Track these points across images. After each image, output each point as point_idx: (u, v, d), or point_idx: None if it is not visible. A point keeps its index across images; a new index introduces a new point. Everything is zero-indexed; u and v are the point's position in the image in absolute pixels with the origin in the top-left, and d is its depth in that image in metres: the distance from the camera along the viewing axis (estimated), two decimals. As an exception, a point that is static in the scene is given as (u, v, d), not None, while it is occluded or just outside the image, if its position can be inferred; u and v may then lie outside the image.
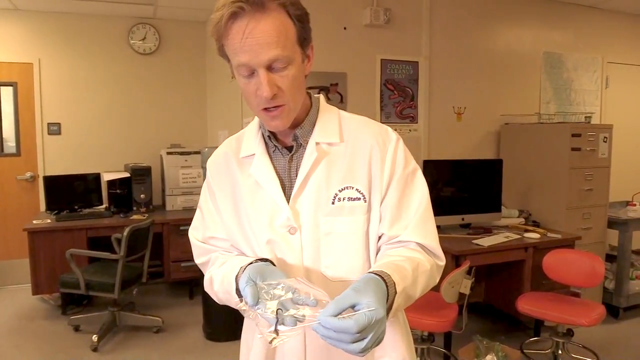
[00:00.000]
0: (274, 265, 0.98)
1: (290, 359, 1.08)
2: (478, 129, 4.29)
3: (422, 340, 2.92)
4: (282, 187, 1.05)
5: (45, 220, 3.91)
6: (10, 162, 4.54)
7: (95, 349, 3.26)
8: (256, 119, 1.11)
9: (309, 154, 1.04)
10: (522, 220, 3.83)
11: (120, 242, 3.30)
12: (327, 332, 0.77)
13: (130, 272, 3.54)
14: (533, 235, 3.45)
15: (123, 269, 3.33)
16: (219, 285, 1.06)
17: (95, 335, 3.29)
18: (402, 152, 1.07)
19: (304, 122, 1.06)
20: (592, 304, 2.92)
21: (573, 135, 3.70)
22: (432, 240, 1.06)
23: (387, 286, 0.86)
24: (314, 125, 1.07)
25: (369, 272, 0.89)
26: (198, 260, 1.18)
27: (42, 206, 4.29)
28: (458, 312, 2.79)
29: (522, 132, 4.16)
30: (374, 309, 0.77)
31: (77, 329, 3.58)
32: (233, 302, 1.02)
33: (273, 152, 1.08)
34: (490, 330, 3.61)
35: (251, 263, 0.96)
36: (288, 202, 1.04)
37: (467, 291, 2.83)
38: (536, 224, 3.80)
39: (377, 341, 0.78)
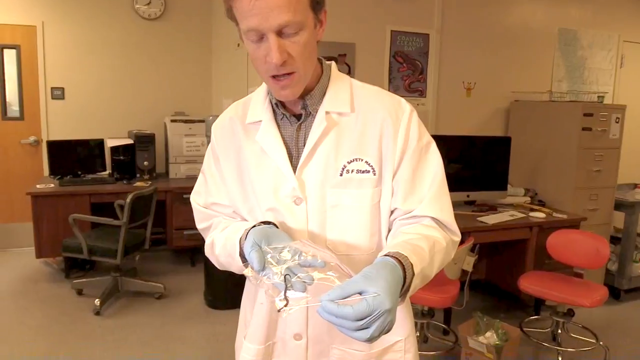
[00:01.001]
0: (278, 228, 0.96)
1: (292, 329, 1.07)
2: (487, 105, 4.22)
3: (422, 315, 2.93)
4: (288, 156, 1.02)
5: (48, 184, 3.91)
6: (14, 126, 4.51)
7: (97, 313, 3.29)
8: (263, 85, 1.07)
9: (318, 123, 1.00)
10: (527, 199, 3.80)
11: (123, 209, 3.30)
12: (328, 316, 0.74)
13: (133, 239, 3.55)
14: (538, 215, 3.42)
15: (126, 236, 3.33)
16: (221, 248, 1.03)
17: (97, 300, 3.32)
18: (415, 125, 1.03)
19: (314, 90, 1.02)
20: (594, 285, 2.92)
21: (584, 115, 3.64)
22: (448, 214, 1.02)
23: (404, 269, 0.83)
24: (325, 93, 1.03)
25: (385, 255, 0.85)
26: (200, 225, 1.16)
27: (46, 171, 4.27)
28: (459, 289, 2.79)
29: (532, 109, 4.09)
30: (377, 298, 0.73)
31: (80, 292, 3.61)
32: (235, 266, 1.00)
33: (281, 119, 1.04)
34: (490, 308, 3.62)
35: (255, 226, 0.94)
36: (294, 172, 1.01)
37: (469, 268, 2.82)
38: (542, 204, 3.76)
39: (384, 331, 0.75)
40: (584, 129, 3.64)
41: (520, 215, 3.39)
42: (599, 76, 4.78)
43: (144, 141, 4.28)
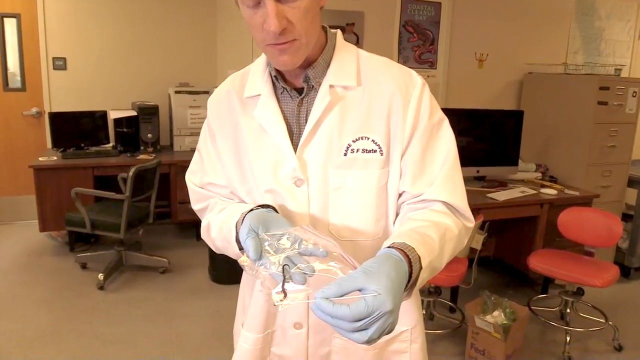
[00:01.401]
0: (277, 212, 0.89)
1: (292, 318, 1.01)
2: (500, 77, 4.08)
3: (428, 293, 2.89)
4: (289, 133, 0.94)
5: (51, 157, 3.85)
6: (16, 97, 4.44)
7: (101, 287, 3.28)
8: (263, 56, 0.98)
9: (321, 98, 0.92)
10: (539, 175, 3.71)
11: (126, 182, 3.25)
12: (323, 315, 0.67)
13: (137, 213, 3.51)
14: (550, 191, 3.33)
15: (129, 209, 3.29)
16: (217, 232, 0.97)
17: (101, 274, 3.30)
18: (427, 100, 0.94)
19: (317, 61, 0.92)
20: (605, 265, 2.85)
21: (600, 88, 3.50)
22: (460, 199, 0.94)
23: (410, 262, 0.75)
24: (329, 65, 0.94)
25: (390, 247, 0.77)
26: (195, 206, 1.09)
27: (49, 143, 4.22)
28: (467, 267, 2.73)
29: (546, 82, 3.95)
30: (377, 298, 0.65)
31: (84, 266, 3.60)
32: (232, 251, 0.93)
33: (281, 93, 0.96)
34: (497, 285, 3.58)
35: (252, 210, 0.87)
36: (295, 151, 0.93)
37: (478, 246, 2.76)
38: (553, 180, 3.67)
39: (385, 333, 0.67)
40: (599, 103, 3.52)
41: (531, 191, 3.30)
42: (616, 48, 4.61)
43: (148, 113, 4.20)
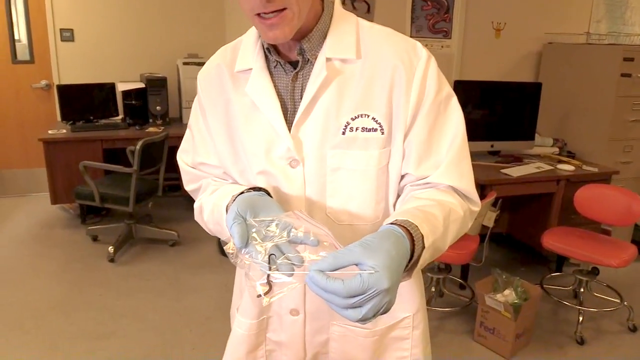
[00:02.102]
0: (270, 196, 0.83)
1: (288, 304, 0.97)
2: (518, 48, 3.92)
3: (438, 270, 2.85)
4: (283, 110, 0.87)
5: (60, 130, 3.84)
6: (25, 69, 4.41)
7: (111, 260, 3.30)
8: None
9: (317, 72, 0.85)
10: (556, 150, 3.59)
11: (134, 155, 3.22)
12: (316, 289, 0.63)
13: (146, 186, 3.50)
14: (567, 167, 3.22)
15: (138, 183, 3.28)
16: (209, 214, 0.92)
17: (111, 247, 3.32)
18: (433, 74, 0.86)
19: (312, 31, 0.85)
20: (623, 244, 2.76)
21: (624, 60, 3.34)
22: (468, 183, 0.88)
23: (413, 240, 0.70)
24: (326, 36, 0.86)
25: (392, 223, 0.72)
26: (188, 187, 1.05)
27: (59, 115, 4.20)
28: (479, 243, 2.67)
29: (567, 53, 3.78)
30: (373, 275, 0.61)
31: (95, 239, 3.62)
32: (225, 235, 0.88)
33: (274, 67, 0.89)
34: (509, 262, 3.52)
35: (243, 193, 0.81)
36: (290, 129, 0.86)
37: (490, 224, 2.70)
38: (571, 155, 3.55)
39: (380, 312, 0.63)
40: (622, 75, 3.36)
41: (547, 167, 3.20)
42: (643, 16, 4.38)
43: (156, 85, 4.14)
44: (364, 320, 0.63)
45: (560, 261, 3.33)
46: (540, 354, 2.53)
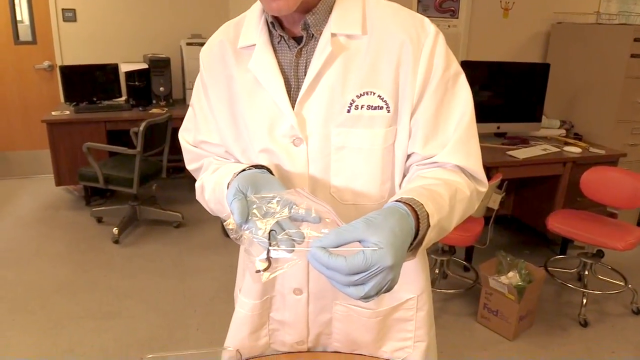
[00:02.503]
0: (272, 174, 0.82)
1: (291, 284, 0.96)
2: (526, 27, 3.85)
3: (442, 252, 2.84)
4: (286, 87, 0.85)
5: (64, 111, 3.82)
6: (28, 50, 4.37)
7: (116, 241, 3.31)
8: (259, 1, 0.88)
9: (322, 48, 0.82)
10: (563, 131, 3.55)
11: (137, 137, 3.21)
12: (318, 266, 0.62)
13: (150, 167, 3.49)
14: (574, 150, 3.19)
15: (141, 164, 3.27)
16: (210, 193, 0.91)
17: (116, 228, 3.33)
18: (442, 51, 0.83)
19: (317, 5, 0.82)
20: (628, 227, 2.74)
21: (635, 40, 3.28)
22: (475, 162, 0.86)
23: (418, 219, 0.69)
24: (331, 11, 0.83)
25: (397, 201, 0.71)
26: (190, 166, 1.03)
27: (62, 97, 4.18)
28: (483, 225, 2.66)
29: (576, 33, 3.72)
30: (377, 252, 0.60)
31: (99, 220, 3.63)
32: (225, 214, 0.87)
33: (278, 43, 0.87)
34: (514, 244, 3.51)
35: (244, 170, 0.80)
36: (293, 107, 0.84)
37: (495, 206, 2.68)
38: (578, 137, 3.52)
39: (383, 290, 0.62)
40: (633, 55, 3.30)
41: (554, 149, 3.17)
42: (655, -5, 4.29)
43: (159, 66, 4.11)
44: (366, 298, 0.62)
45: (565, 244, 3.32)
46: (543, 336, 2.54)
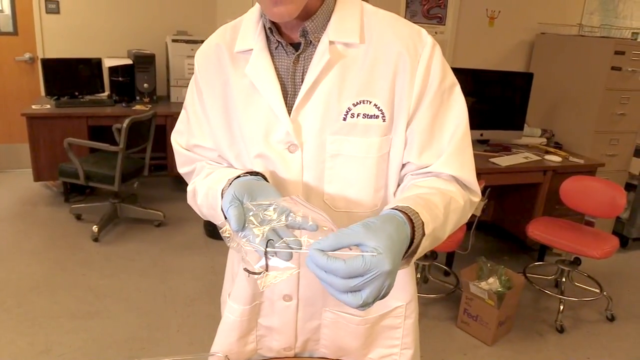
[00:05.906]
0: (267, 180, 0.81)
1: (282, 290, 0.96)
2: (511, 37, 3.91)
3: (424, 257, 2.86)
4: (283, 93, 0.85)
5: (44, 105, 3.74)
6: (8, 41, 4.27)
7: (95, 239, 3.26)
8: (257, 5, 0.88)
9: (320, 55, 0.82)
10: (544, 140, 3.62)
11: (120, 133, 3.16)
12: (316, 269, 0.61)
13: (132, 165, 3.44)
14: (554, 158, 3.25)
15: (124, 161, 3.22)
16: (203, 198, 0.90)
17: (95, 226, 3.27)
18: (438, 62, 0.84)
19: (316, 13, 0.82)
20: (605, 236, 2.81)
21: (616, 53, 3.37)
22: (469, 173, 0.88)
23: (413, 227, 0.69)
24: (329, 18, 0.84)
25: (393, 208, 0.71)
26: (181, 169, 1.02)
27: (43, 90, 4.10)
28: (465, 232, 2.69)
29: (559, 44, 3.79)
30: (377, 257, 0.60)
31: (78, 217, 3.57)
32: (219, 220, 0.87)
33: (275, 48, 0.86)
34: (494, 250, 3.56)
35: (239, 177, 0.80)
36: (289, 113, 0.84)
37: (477, 213, 2.71)
38: (558, 146, 3.59)
39: (380, 297, 0.62)
40: (613, 68, 3.39)
41: (535, 157, 3.23)
42: (635, 10, 4.40)
43: (144, 62, 4.05)
44: (363, 305, 0.61)
45: (543, 251, 3.38)
46: (521, 342, 2.58)
